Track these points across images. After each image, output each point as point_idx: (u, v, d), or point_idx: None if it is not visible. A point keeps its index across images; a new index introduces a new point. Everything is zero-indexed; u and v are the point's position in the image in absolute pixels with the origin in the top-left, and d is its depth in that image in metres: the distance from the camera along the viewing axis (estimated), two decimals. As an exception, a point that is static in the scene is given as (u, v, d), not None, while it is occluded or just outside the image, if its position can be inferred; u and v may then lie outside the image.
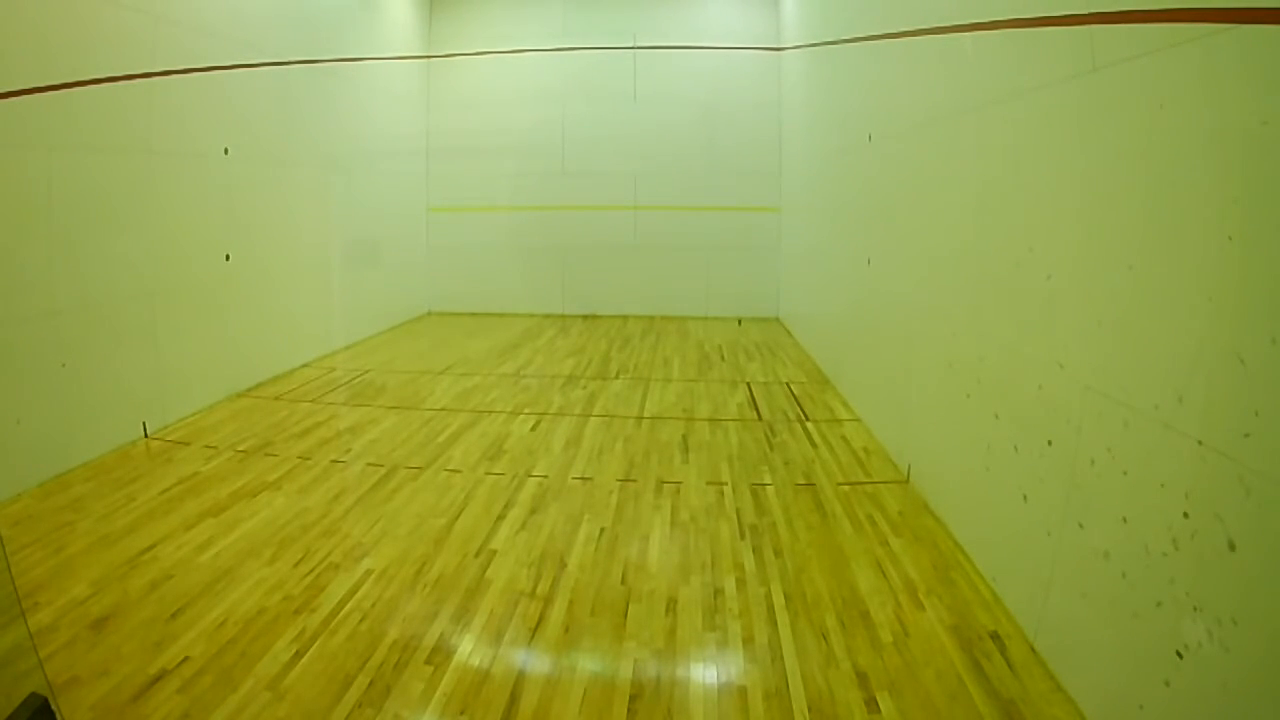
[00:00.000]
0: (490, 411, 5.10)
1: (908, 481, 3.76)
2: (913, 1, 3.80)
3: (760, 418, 5.00)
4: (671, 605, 2.65)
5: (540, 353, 7.19)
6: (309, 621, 2.52)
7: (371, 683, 2.21)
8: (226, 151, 5.26)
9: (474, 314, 9.51)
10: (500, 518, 3.38)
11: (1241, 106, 1.51)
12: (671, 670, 2.29)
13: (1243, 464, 1.47)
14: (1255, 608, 1.44)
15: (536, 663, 2.33)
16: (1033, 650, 2.32)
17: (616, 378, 6.15)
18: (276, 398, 5.39)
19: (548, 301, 9.50)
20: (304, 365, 6.39)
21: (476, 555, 3.03)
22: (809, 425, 4.80)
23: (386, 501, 3.56)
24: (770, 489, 3.72)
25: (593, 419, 4.94)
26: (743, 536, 3.19)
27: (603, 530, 3.26)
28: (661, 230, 9.27)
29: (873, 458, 4.16)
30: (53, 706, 1.81)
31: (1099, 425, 2.01)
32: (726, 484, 3.79)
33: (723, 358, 6.96)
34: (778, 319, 9.07)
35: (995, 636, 2.40)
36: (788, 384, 5.94)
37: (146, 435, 4.43)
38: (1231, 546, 1.49)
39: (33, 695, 1.79)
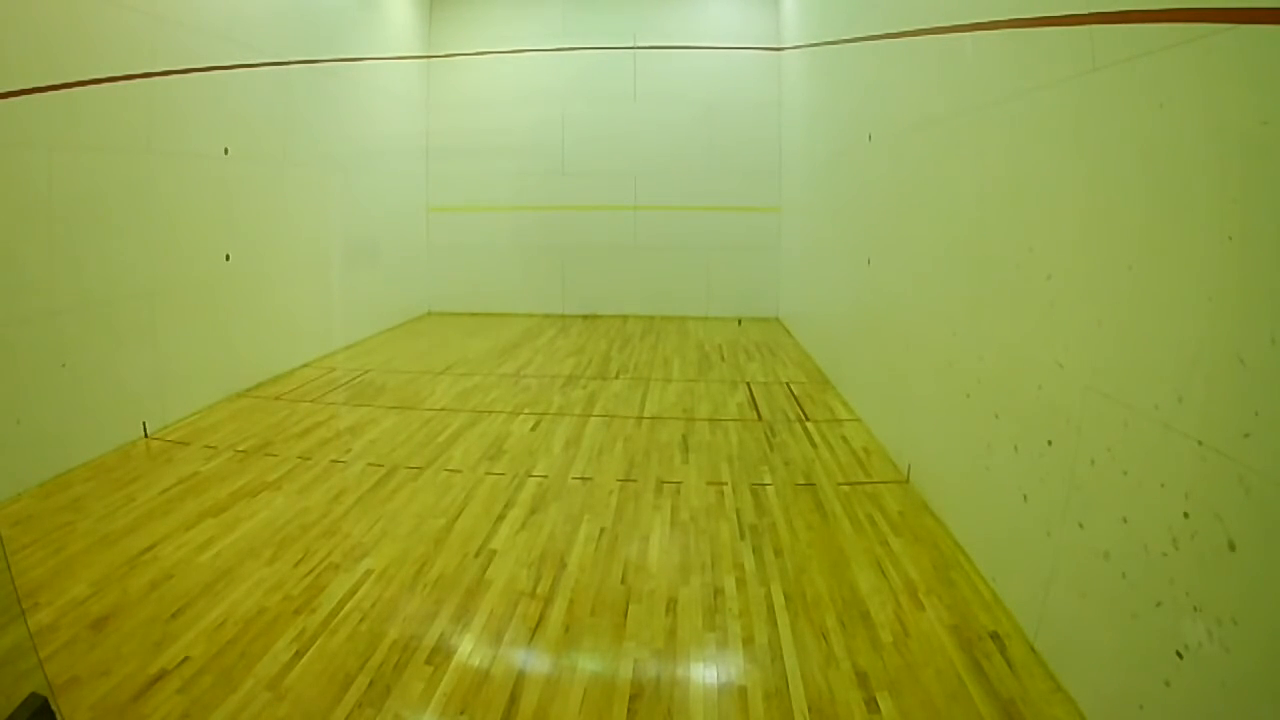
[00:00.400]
0: (490, 411, 5.10)
1: (908, 481, 3.76)
2: (913, 1, 3.80)
3: (760, 418, 5.00)
4: (671, 605, 2.65)
5: (540, 353, 7.19)
6: (309, 621, 2.52)
7: (371, 683, 2.21)
8: (226, 151, 5.26)
9: (474, 314, 9.51)
10: (500, 518, 3.38)
11: (1241, 106, 1.51)
12: (671, 670, 2.29)
13: (1243, 464, 1.47)
14: (1255, 608, 1.44)
15: (536, 663, 2.33)
16: (1033, 650, 2.32)
17: (616, 378, 6.15)
18: (276, 398, 5.39)
19: (548, 301, 9.50)
20: (304, 365, 6.39)
21: (476, 555, 3.03)
22: (809, 425, 4.80)
23: (386, 501, 3.56)
24: (770, 489, 3.72)
25: (593, 419, 4.94)
26: (743, 536, 3.19)
27: (603, 530, 3.26)
28: (661, 230, 9.27)
29: (873, 458, 4.16)
30: (53, 706, 1.81)
31: (1099, 425, 2.01)
32: (726, 484, 3.79)
33: (723, 358, 6.96)
34: (778, 319, 9.07)
35: (995, 636, 2.41)
36: (788, 384, 5.94)
37: (146, 435, 4.43)
38: (1231, 546, 1.49)
39: (33, 695, 1.79)
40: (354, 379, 6.03)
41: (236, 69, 5.32)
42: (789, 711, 2.08)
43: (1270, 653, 1.40)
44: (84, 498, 3.51)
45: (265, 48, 5.72)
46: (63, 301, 3.84)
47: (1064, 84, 2.23)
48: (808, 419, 4.95)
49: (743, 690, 2.18)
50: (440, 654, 2.36)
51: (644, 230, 9.31)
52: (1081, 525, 2.08)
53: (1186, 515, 1.62)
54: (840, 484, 3.77)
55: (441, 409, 5.14)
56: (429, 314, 9.63)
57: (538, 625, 2.53)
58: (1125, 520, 1.86)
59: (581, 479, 3.87)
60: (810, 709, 2.09)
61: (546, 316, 9.33)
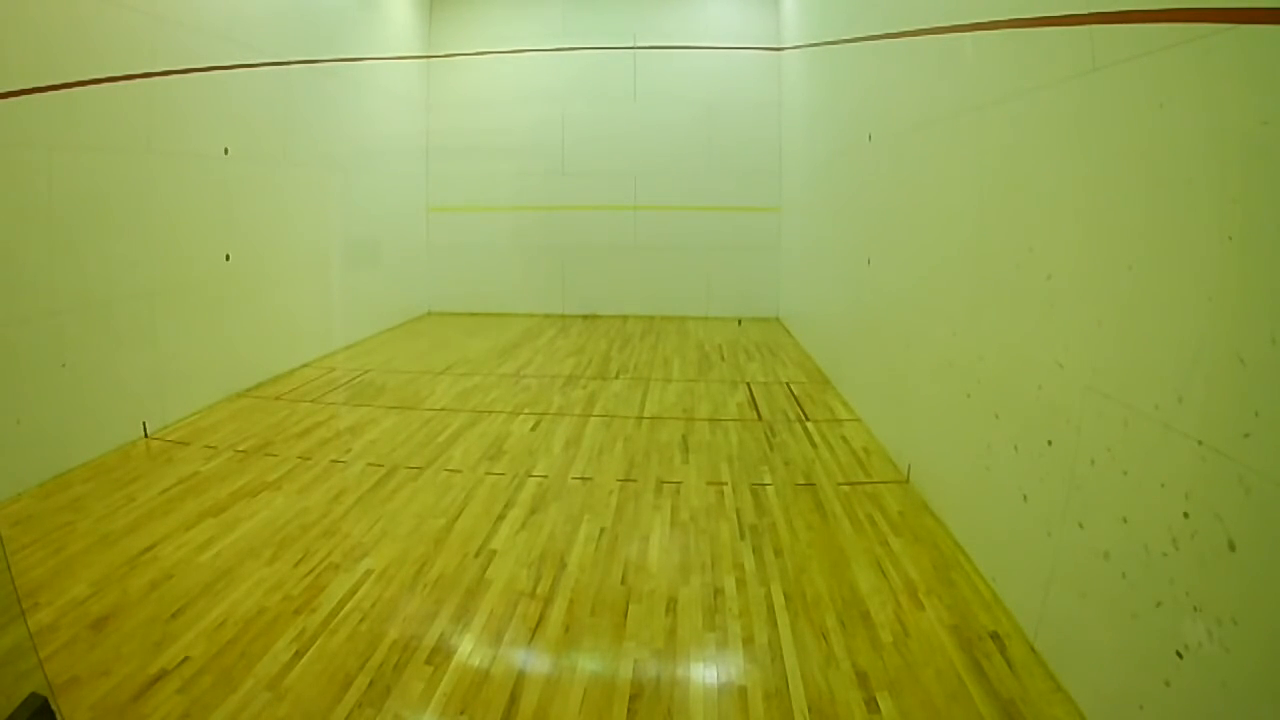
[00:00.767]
0: (490, 411, 5.10)
1: (908, 481, 3.76)
2: (913, 1, 3.80)
3: (760, 418, 5.00)
4: (671, 605, 2.65)
5: (540, 353, 7.19)
6: (309, 621, 2.52)
7: (371, 683, 2.21)
8: (226, 151, 5.26)
9: (474, 314, 9.51)
10: (500, 518, 3.38)
11: (1241, 106, 1.51)
12: (671, 670, 2.29)
13: (1243, 464, 1.47)
14: (1255, 608, 1.44)
15: (536, 663, 2.33)
16: (1033, 650, 2.32)
17: (616, 378, 6.15)
18: (276, 398, 5.39)
19: (548, 301, 9.50)
20: (304, 365, 6.39)
21: (476, 555, 3.03)
22: (809, 425, 4.80)
23: (386, 501, 3.56)
24: (770, 489, 3.72)
25: (593, 419, 4.94)
26: (743, 536, 3.19)
27: (603, 530, 3.26)
28: (661, 230, 9.27)
29: (873, 458, 4.16)
30: (53, 706, 1.81)
31: (1099, 425, 2.01)
32: (726, 484, 3.79)
33: (723, 358, 6.96)
34: (778, 319, 9.07)
35: (995, 636, 2.40)
36: (788, 384, 5.94)
37: (146, 435, 4.43)
38: (1231, 546, 1.49)
39: (33, 695, 1.79)
40: (354, 379, 6.03)
41: (236, 69, 5.32)
42: (789, 711, 2.08)
43: (1270, 653, 1.40)
44: (84, 498, 3.51)
45: (265, 48, 5.72)
46: (63, 301, 3.84)
47: (1064, 84, 2.23)
48: (808, 419, 4.95)
49: (743, 690, 2.18)
50: (440, 654, 2.36)
51: (644, 230, 9.31)
52: (1081, 525, 2.08)
53: (1186, 515, 1.62)
54: (840, 484, 3.77)
55: (441, 409, 5.14)
56: (429, 314, 9.63)
57: (538, 625, 2.53)
58: (1125, 520, 1.86)
59: (581, 479, 3.87)
60: (810, 709, 2.09)
61: (546, 316, 9.33)
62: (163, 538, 3.11)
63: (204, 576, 2.80)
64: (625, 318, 9.24)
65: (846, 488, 3.72)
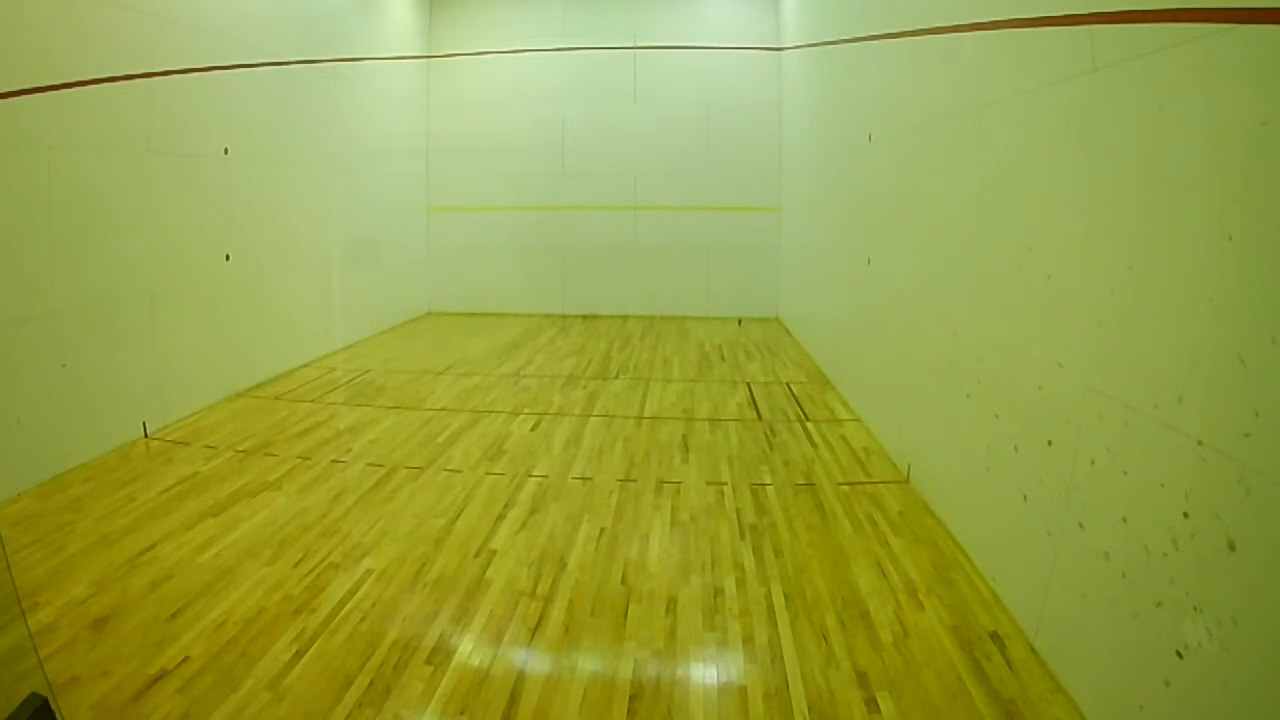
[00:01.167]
0: (490, 411, 5.10)
1: (908, 481, 3.76)
2: (913, 1, 3.80)
3: (760, 418, 5.00)
4: (671, 605, 2.65)
5: (540, 353, 7.19)
6: (309, 621, 2.52)
7: (371, 683, 2.21)
8: (226, 151, 5.26)
9: (474, 314, 9.51)
10: (500, 518, 3.38)
11: (1241, 106, 1.51)
12: (671, 670, 2.29)
13: (1243, 464, 1.47)
14: (1255, 608, 1.44)
15: (536, 663, 2.33)
16: (1033, 650, 2.32)
17: (616, 378, 6.15)
18: (276, 398, 5.39)
19: (548, 301, 9.50)
20: (304, 365, 6.39)
21: (476, 555, 3.03)
22: (809, 425, 4.80)
23: (386, 501, 3.56)
24: (770, 489, 3.72)
25: (593, 419, 4.94)
26: (743, 536, 3.19)
27: (603, 530, 3.26)
28: (661, 230, 9.27)
29: (873, 458, 4.16)
30: (53, 706, 1.81)
31: (1099, 425, 2.01)
32: (726, 484, 3.79)
33: (723, 358, 6.96)
34: (778, 319, 9.07)
35: (995, 636, 2.41)
36: (788, 384, 5.93)
37: (146, 435, 4.43)
38: (1231, 546, 1.49)
39: (33, 695, 1.79)
40: (354, 379, 6.03)
41: (236, 69, 5.32)
42: (789, 711, 2.08)
43: (1270, 653, 1.40)
44: (84, 498, 3.51)
45: (265, 48, 5.72)
46: (63, 301, 3.83)
47: (1064, 84, 2.23)
48: (808, 419, 4.95)
49: (743, 690, 2.18)
50: (440, 654, 2.36)
51: (644, 230, 9.31)
52: (1081, 525, 2.08)
53: (1186, 515, 1.62)
54: (840, 484, 3.77)
55: (441, 409, 5.14)
56: (429, 314, 9.63)
57: (538, 625, 2.53)
58: (1125, 520, 1.86)
59: (581, 479, 3.87)
60: (810, 709, 2.09)
61: (546, 316, 9.33)
62: (163, 538, 3.11)
63: (204, 576, 2.80)
64: (625, 318, 9.24)
65: (846, 488, 3.72)
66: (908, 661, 2.29)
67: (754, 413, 5.13)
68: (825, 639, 2.42)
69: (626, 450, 4.31)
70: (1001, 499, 2.62)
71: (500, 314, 9.42)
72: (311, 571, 2.87)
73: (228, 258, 5.32)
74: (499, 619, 2.56)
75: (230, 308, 5.35)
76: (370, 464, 4.06)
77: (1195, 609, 1.58)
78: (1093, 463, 2.04)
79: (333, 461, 4.09)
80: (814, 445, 4.40)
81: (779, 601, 2.65)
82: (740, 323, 8.91)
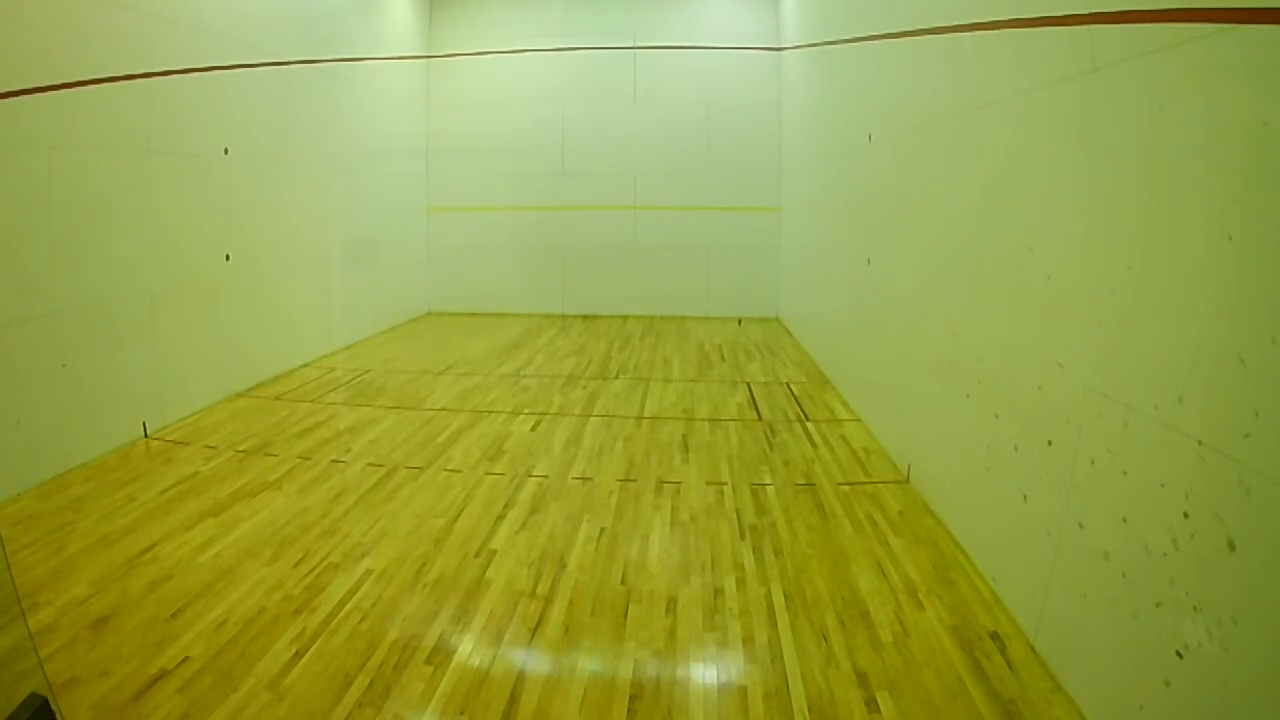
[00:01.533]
0: (490, 411, 5.10)
1: (908, 481, 3.76)
2: (913, 1, 3.80)
3: (760, 418, 5.00)
4: (671, 605, 2.65)
5: (540, 353, 7.19)
6: (309, 621, 2.52)
7: (371, 683, 2.21)
8: (226, 151, 5.26)
9: (474, 314, 9.51)
10: (500, 518, 3.38)
11: (1241, 106, 1.51)
12: (671, 670, 2.29)
13: (1243, 464, 1.47)
14: (1255, 608, 1.44)
15: (536, 663, 2.33)
16: (1033, 650, 2.32)
17: (616, 378, 6.15)
18: (276, 398, 5.39)
19: (548, 301, 9.50)
20: (304, 365, 6.39)
21: (476, 555, 3.03)
22: (809, 425, 4.80)
23: (386, 501, 3.56)
24: (770, 489, 3.72)
25: (593, 419, 4.94)
26: (743, 536, 3.19)
27: (603, 530, 3.26)
28: (661, 230, 9.27)
29: (873, 458, 4.16)
30: (53, 706, 1.81)
31: (1099, 425, 2.01)
32: (726, 484, 3.79)
33: (723, 358, 6.96)
34: (778, 319, 9.07)
35: (995, 636, 2.40)
36: (788, 384, 5.93)
37: (146, 435, 4.43)
38: (1231, 546, 1.49)
39: (33, 695, 1.79)
40: (354, 379, 6.03)
41: (236, 69, 5.32)
42: (789, 711, 2.08)
43: (1270, 653, 1.40)
44: (84, 498, 3.51)
45: (265, 48, 5.72)
46: (63, 301, 3.83)
47: (1064, 84, 2.23)
48: (808, 419, 4.95)
49: (743, 690, 2.18)
50: (440, 654, 2.36)
51: (644, 230, 9.31)
52: (1081, 525, 2.08)
53: (1186, 515, 1.62)
54: (840, 484, 3.77)
55: (441, 409, 5.14)
56: (429, 314, 9.62)
57: (538, 625, 2.53)
58: (1125, 520, 1.86)
59: (581, 479, 3.87)
60: (810, 709, 2.09)
61: (546, 316, 9.33)
62: (163, 538, 3.11)
63: (204, 576, 2.80)
64: (625, 318, 9.24)
65: (846, 488, 3.72)
66: (908, 661, 2.29)
67: (754, 413, 5.13)
68: (825, 639, 2.42)
69: (626, 450, 4.31)
70: (1001, 499, 2.62)
71: (500, 314, 9.42)
72: (311, 571, 2.87)
73: (228, 258, 5.32)
74: (499, 619, 2.56)
75: (230, 308, 5.35)
76: (370, 464, 4.06)
77: (1195, 609, 1.58)
78: (1093, 463, 2.04)
79: (333, 461, 4.09)
80: (814, 445, 4.40)
81: (779, 601, 2.65)
82: (740, 323, 8.91)
